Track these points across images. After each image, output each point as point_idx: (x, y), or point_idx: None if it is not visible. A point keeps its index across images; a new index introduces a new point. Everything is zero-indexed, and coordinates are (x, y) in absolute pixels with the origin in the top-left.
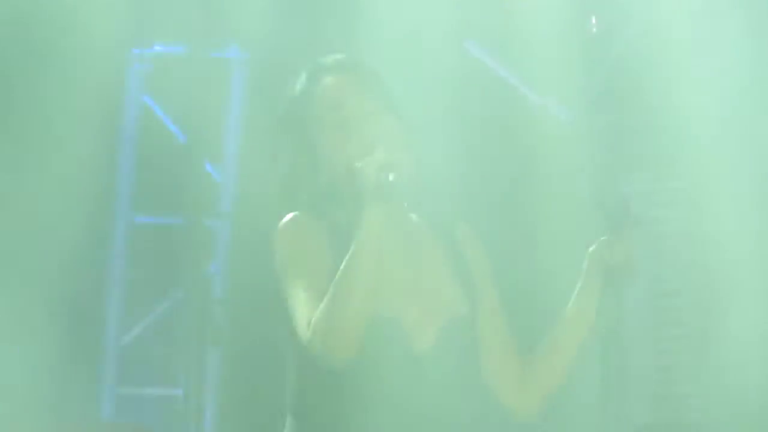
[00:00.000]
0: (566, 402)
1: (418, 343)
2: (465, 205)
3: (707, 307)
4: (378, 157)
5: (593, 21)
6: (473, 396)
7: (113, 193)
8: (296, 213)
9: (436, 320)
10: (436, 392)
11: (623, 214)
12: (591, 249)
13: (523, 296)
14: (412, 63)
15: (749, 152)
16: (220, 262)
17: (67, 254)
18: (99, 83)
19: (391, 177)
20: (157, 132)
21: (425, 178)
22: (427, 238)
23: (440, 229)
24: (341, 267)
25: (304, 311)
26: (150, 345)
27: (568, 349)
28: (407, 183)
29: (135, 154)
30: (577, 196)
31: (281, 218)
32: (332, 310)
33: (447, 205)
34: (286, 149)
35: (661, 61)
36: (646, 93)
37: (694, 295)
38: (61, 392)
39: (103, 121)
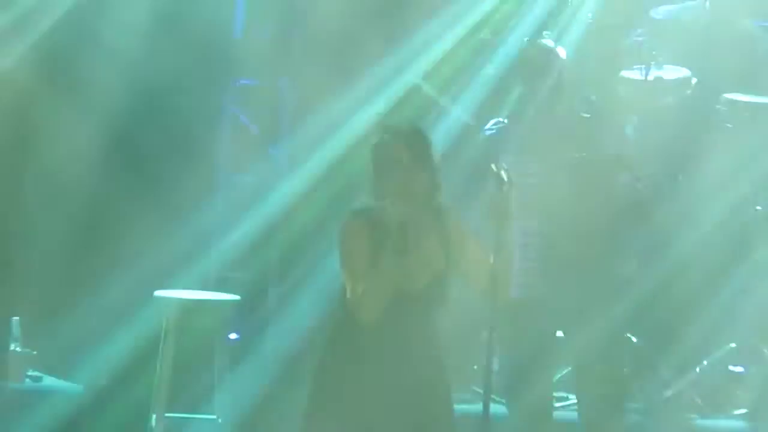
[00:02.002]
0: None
1: (415, 280)
2: None
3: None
4: (391, 216)
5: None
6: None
7: (218, 160)
8: (350, 215)
9: (429, 263)
10: (424, 308)
11: (501, 183)
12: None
13: None
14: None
15: None
16: (276, 201)
17: (192, 195)
18: (207, 101)
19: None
20: (241, 128)
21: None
22: (429, 227)
23: (438, 218)
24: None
25: (353, 281)
26: (238, 250)
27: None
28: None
29: (230, 139)
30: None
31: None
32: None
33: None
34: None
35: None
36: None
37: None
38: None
39: (211, 121)
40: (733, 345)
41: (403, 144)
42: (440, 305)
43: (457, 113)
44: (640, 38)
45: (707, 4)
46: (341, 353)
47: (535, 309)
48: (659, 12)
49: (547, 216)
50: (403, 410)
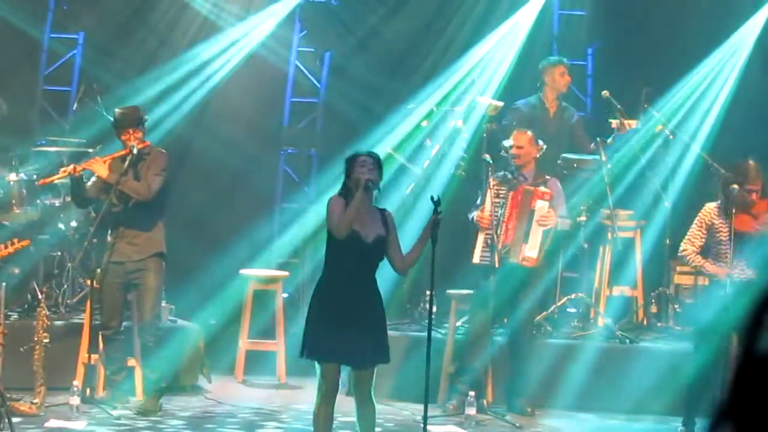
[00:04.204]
0: None
1: (366, 239)
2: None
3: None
4: (363, 177)
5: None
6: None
7: (275, 195)
8: (335, 195)
9: (374, 234)
10: (371, 258)
11: (435, 208)
12: (428, 222)
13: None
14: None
15: None
16: (309, 219)
17: (261, 215)
18: (269, 162)
19: (369, 184)
20: (288, 177)
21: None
22: (375, 211)
23: (380, 213)
24: (347, 209)
25: (334, 216)
26: (287, 247)
27: (416, 253)
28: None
29: (282, 183)
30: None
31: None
32: (341, 220)
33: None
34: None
35: None
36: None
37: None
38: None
39: (272, 173)
40: (572, 296)
41: (366, 157)
42: (381, 258)
43: (412, 168)
44: (514, 122)
45: (541, 98)
46: (329, 276)
47: (489, 270)
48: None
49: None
50: (358, 304)
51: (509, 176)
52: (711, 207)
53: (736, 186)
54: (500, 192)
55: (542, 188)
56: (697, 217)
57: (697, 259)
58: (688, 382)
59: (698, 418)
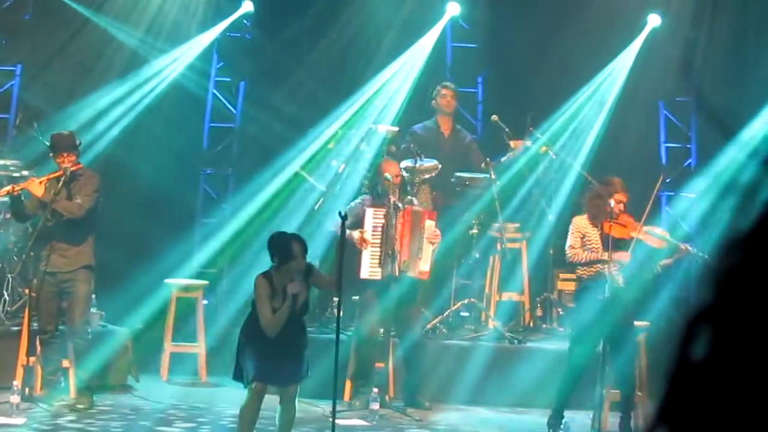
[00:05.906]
0: None
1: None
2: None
3: None
4: (290, 292)
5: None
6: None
7: (196, 212)
8: (260, 276)
9: (300, 300)
10: (298, 315)
11: (342, 223)
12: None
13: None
14: None
15: None
16: (226, 234)
17: (182, 230)
18: (190, 181)
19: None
20: (208, 195)
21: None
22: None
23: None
24: (278, 312)
25: (264, 315)
26: (206, 258)
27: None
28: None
29: (202, 200)
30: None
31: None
32: (269, 326)
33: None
34: None
35: None
36: None
37: None
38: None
39: (192, 191)
40: (466, 301)
41: (299, 246)
42: (305, 313)
43: (318, 185)
44: (412, 144)
45: (436, 121)
46: (256, 326)
47: (377, 284)
48: (418, 128)
49: (386, 234)
50: (285, 343)
51: (392, 200)
52: (581, 219)
53: (610, 198)
54: (382, 213)
55: (426, 209)
56: (572, 228)
57: (588, 254)
58: (561, 379)
59: (565, 411)
